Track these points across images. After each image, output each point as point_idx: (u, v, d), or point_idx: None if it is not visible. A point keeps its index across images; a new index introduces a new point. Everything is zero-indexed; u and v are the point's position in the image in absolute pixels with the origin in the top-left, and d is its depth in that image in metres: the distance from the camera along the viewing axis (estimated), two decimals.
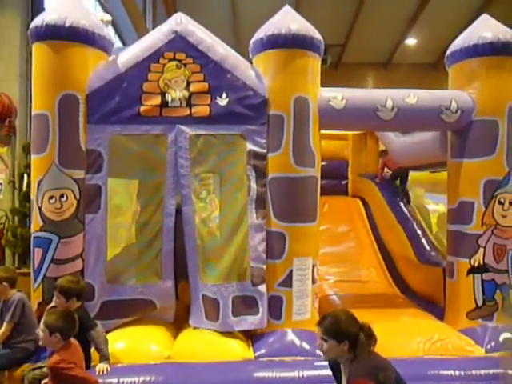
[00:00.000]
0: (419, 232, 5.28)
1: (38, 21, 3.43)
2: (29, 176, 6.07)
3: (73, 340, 2.60)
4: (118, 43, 10.21)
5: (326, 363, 2.46)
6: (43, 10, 6.70)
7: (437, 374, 2.99)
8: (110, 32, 3.88)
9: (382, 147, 6.66)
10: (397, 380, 2.26)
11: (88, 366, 2.82)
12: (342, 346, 2.20)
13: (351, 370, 2.20)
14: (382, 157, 6.54)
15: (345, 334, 2.21)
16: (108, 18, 6.93)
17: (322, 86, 3.71)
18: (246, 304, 3.42)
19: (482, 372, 3.03)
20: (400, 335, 3.45)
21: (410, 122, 3.82)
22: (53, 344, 2.53)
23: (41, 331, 2.54)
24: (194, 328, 3.49)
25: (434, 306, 4.30)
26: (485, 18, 3.88)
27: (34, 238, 3.47)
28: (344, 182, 7.22)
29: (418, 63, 14.42)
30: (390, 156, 6.17)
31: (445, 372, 3.01)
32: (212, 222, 3.67)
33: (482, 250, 3.64)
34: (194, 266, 3.52)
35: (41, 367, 2.79)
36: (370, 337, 2.24)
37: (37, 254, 3.42)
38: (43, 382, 2.54)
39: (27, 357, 2.92)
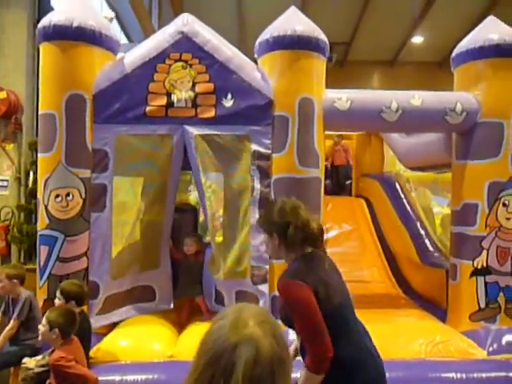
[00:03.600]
0: (423, 233, 5.27)
1: (45, 21, 3.46)
2: (35, 173, 6.12)
3: (74, 337, 2.63)
4: (123, 39, 10.22)
5: None
6: (50, 7, 6.73)
7: (438, 377, 3.00)
8: (115, 30, 3.90)
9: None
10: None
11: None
12: (274, 240, 1.91)
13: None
14: (338, 140, 7.15)
15: (272, 223, 1.91)
16: (111, 15, 6.91)
17: (328, 83, 3.71)
18: (248, 299, 3.48)
19: (484, 375, 3.03)
20: (402, 336, 3.46)
21: (415, 123, 3.81)
22: (52, 340, 2.56)
23: (42, 326, 2.58)
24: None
25: (437, 308, 4.30)
26: (491, 20, 3.86)
27: (40, 235, 3.50)
28: (348, 182, 7.24)
29: (424, 61, 14.35)
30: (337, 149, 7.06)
31: (446, 374, 3.02)
32: (216, 221, 3.73)
33: (485, 252, 3.63)
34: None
35: (31, 369, 2.78)
36: (303, 230, 1.86)
37: (43, 251, 3.46)
38: (48, 381, 2.57)
39: (34, 354, 2.96)
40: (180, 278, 3.92)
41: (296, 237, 1.87)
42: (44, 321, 2.58)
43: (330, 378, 1.73)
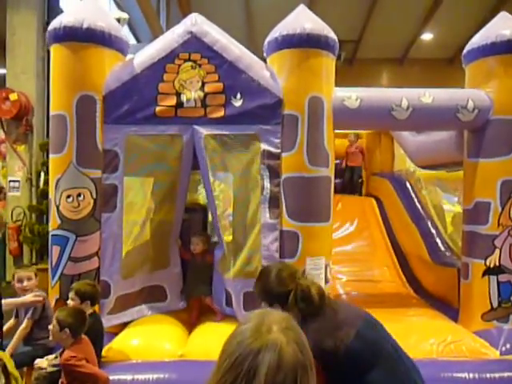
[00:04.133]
0: (433, 231, 5.23)
1: (55, 23, 3.48)
2: (46, 173, 6.18)
3: (84, 336, 2.64)
4: (131, 40, 10.27)
5: None
6: (59, 8, 6.80)
7: (450, 377, 2.96)
8: (125, 31, 3.92)
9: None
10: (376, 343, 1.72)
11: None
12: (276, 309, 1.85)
13: None
14: (354, 140, 7.10)
15: (270, 293, 1.88)
16: (125, 16, 6.99)
17: (337, 82, 3.69)
18: (256, 300, 3.47)
19: (497, 375, 2.99)
20: (413, 336, 3.43)
21: (426, 121, 3.77)
22: (62, 340, 2.58)
23: (52, 326, 2.60)
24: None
25: (448, 307, 4.26)
26: (503, 16, 3.81)
27: (52, 236, 3.53)
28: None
29: (434, 58, 14.22)
30: (353, 151, 7.06)
31: (459, 374, 2.99)
32: (225, 220, 3.74)
33: (497, 251, 3.59)
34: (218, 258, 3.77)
35: (44, 368, 2.79)
36: (307, 298, 1.79)
37: (54, 251, 3.49)
38: (60, 380, 2.59)
39: (46, 353, 2.98)
40: (187, 277, 3.93)
41: (298, 305, 1.80)
42: (54, 321, 2.60)
43: None
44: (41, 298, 3.19)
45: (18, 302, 3.20)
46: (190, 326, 3.73)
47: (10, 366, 2.22)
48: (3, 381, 2.14)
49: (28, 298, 3.18)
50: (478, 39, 3.77)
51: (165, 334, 3.43)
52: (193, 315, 3.88)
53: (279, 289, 1.85)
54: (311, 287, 1.83)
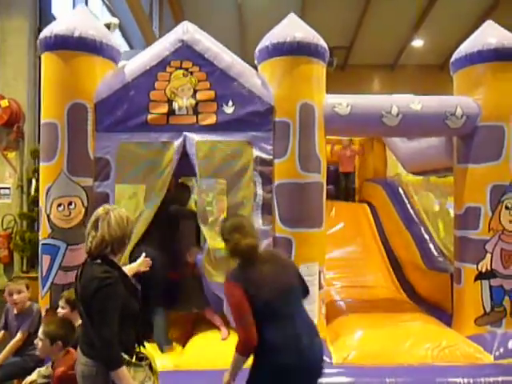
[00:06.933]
0: (427, 237, 5.25)
1: (47, 31, 3.48)
2: (37, 181, 6.13)
3: (70, 348, 2.58)
4: (124, 46, 10.27)
5: (334, 371, 2.45)
6: (51, 15, 6.78)
7: (445, 382, 2.97)
8: (116, 37, 3.92)
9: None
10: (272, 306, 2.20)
11: None
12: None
13: None
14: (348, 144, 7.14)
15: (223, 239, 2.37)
16: (116, 21, 7.00)
17: (329, 88, 3.72)
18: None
19: (491, 379, 3.02)
20: (407, 341, 3.43)
21: (415, 128, 3.81)
22: (54, 353, 2.54)
23: (40, 341, 2.53)
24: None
25: (442, 312, 4.27)
26: (489, 24, 3.88)
27: (43, 245, 3.50)
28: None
29: (424, 65, 14.38)
30: (349, 155, 7.16)
31: (453, 379, 3.00)
32: (218, 226, 3.71)
33: (489, 255, 3.62)
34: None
35: (34, 380, 2.72)
36: (235, 248, 2.28)
37: (45, 261, 3.46)
38: None
39: (37, 365, 2.94)
40: (180, 293, 3.77)
41: (231, 256, 2.32)
42: (42, 335, 2.53)
43: (255, 358, 2.19)
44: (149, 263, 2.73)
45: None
46: (185, 337, 3.66)
47: (154, 363, 2.21)
48: (153, 379, 2.12)
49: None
50: (465, 47, 3.83)
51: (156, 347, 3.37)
52: (188, 326, 3.81)
53: (224, 236, 2.38)
54: (241, 241, 2.25)
